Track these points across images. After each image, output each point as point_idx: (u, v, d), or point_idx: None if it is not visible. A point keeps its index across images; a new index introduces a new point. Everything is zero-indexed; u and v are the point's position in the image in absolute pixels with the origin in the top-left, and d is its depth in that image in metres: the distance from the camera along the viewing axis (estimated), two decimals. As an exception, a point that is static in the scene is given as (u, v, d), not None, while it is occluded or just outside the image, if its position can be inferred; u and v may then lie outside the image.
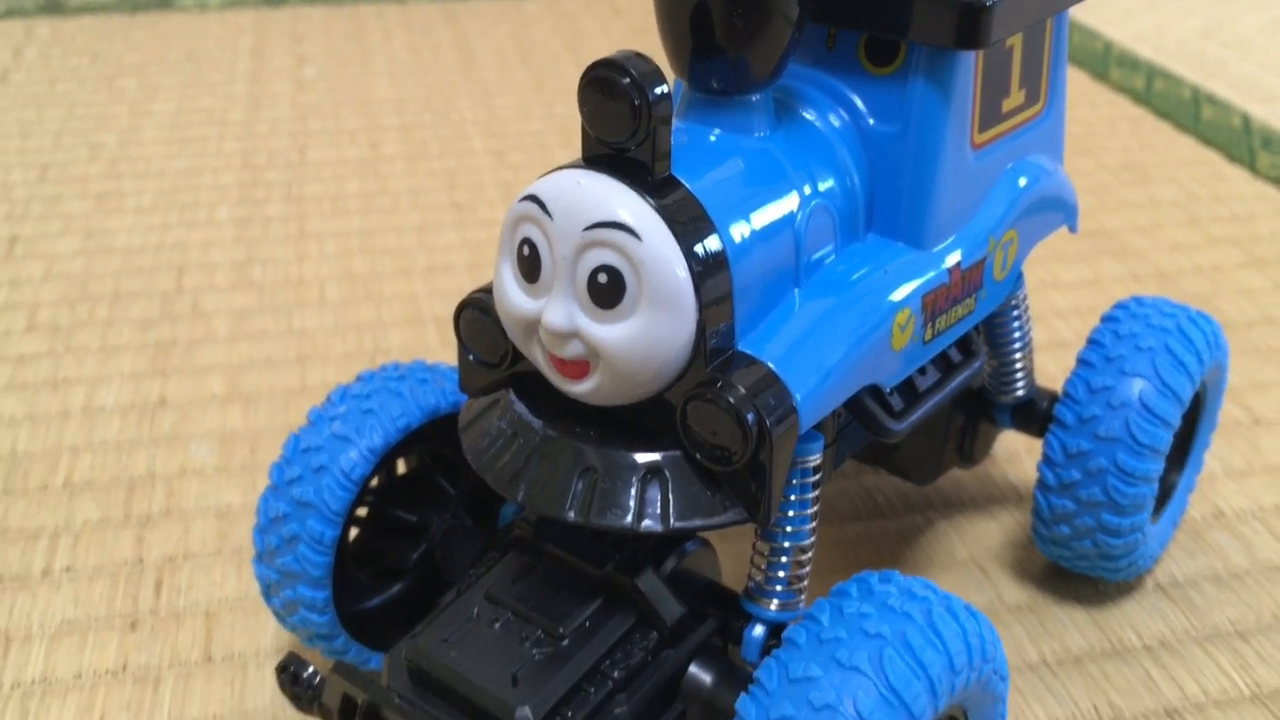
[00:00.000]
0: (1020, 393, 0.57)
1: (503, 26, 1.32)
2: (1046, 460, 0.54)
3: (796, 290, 0.43)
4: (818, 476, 0.43)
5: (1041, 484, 0.55)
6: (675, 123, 0.43)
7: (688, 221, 0.39)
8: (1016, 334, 0.55)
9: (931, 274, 0.45)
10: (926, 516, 0.63)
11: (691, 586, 0.46)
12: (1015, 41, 0.48)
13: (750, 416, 0.39)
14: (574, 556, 0.45)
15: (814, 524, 0.44)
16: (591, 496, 0.41)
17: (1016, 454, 0.67)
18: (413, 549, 0.52)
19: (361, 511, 0.52)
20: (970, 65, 0.45)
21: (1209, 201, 0.96)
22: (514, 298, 0.41)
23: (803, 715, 0.37)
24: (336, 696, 0.42)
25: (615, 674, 0.43)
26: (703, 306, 0.39)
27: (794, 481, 0.43)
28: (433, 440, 0.51)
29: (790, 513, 0.44)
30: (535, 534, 0.46)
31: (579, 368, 0.40)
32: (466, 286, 0.83)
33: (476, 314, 0.44)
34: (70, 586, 0.58)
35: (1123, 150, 1.05)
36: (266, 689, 0.53)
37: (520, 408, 0.43)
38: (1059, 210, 0.53)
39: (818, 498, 0.44)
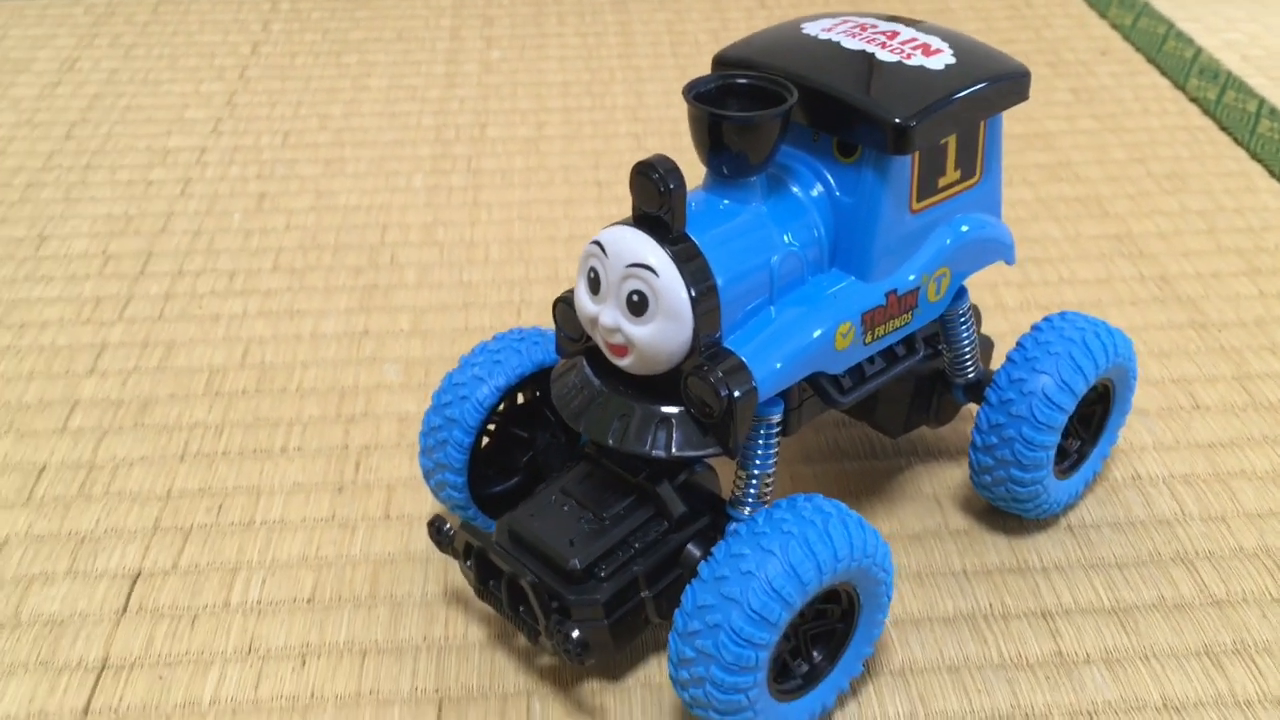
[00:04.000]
0: (971, 375, 0.78)
1: (661, 15, 1.54)
2: (976, 427, 0.76)
3: (772, 307, 0.65)
4: (777, 429, 0.66)
5: (972, 444, 0.76)
6: (698, 192, 0.66)
7: (692, 263, 0.61)
8: (965, 335, 0.76)
9: (870, 299, 0.67)
10: (908, 460, 0.85)
11: (696, 494, 0.69)
12: (950, 138, 0.68)
13: (723, 390, 0.61)
14: (620, 468, 0.69)
15: (775, 459, 0.67)
16: (625, 431, 0.64)
17: (988, 419, 0.88)
18: (524, 454, 0.77)
19: (491, 427, 0.77)
20: (906, 160, 0.66)
21: (1231, 212, 1.12)
22: (584, 304, 0.65)
23: (733, 577, 0.60)
24: (462, 543, 0.68)
25: (636, 545, 0.67)
26: (697, 318, 0.62)
27: (760, 432, 0.66)
28: (541, 382, 0.75)
29: (758, 452, 0.66)
30: (598, 451, 0.70)
31: (622, 350, 0.64)
32: (597, 254, 1.07)
33: (565, 307, 0.68)
34: (300, 460, 0.85)
35: (1174, 160, 1.21)
36: (424, 539, 0.78)
37: (587, 371, 0.67)
38: (992, 250, 0.73)
39: (778, 443, 0.66)
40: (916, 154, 0.66)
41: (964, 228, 0.71)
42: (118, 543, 0.78)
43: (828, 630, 0.66)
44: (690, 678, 0.61)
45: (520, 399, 0.77)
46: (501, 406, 0.76)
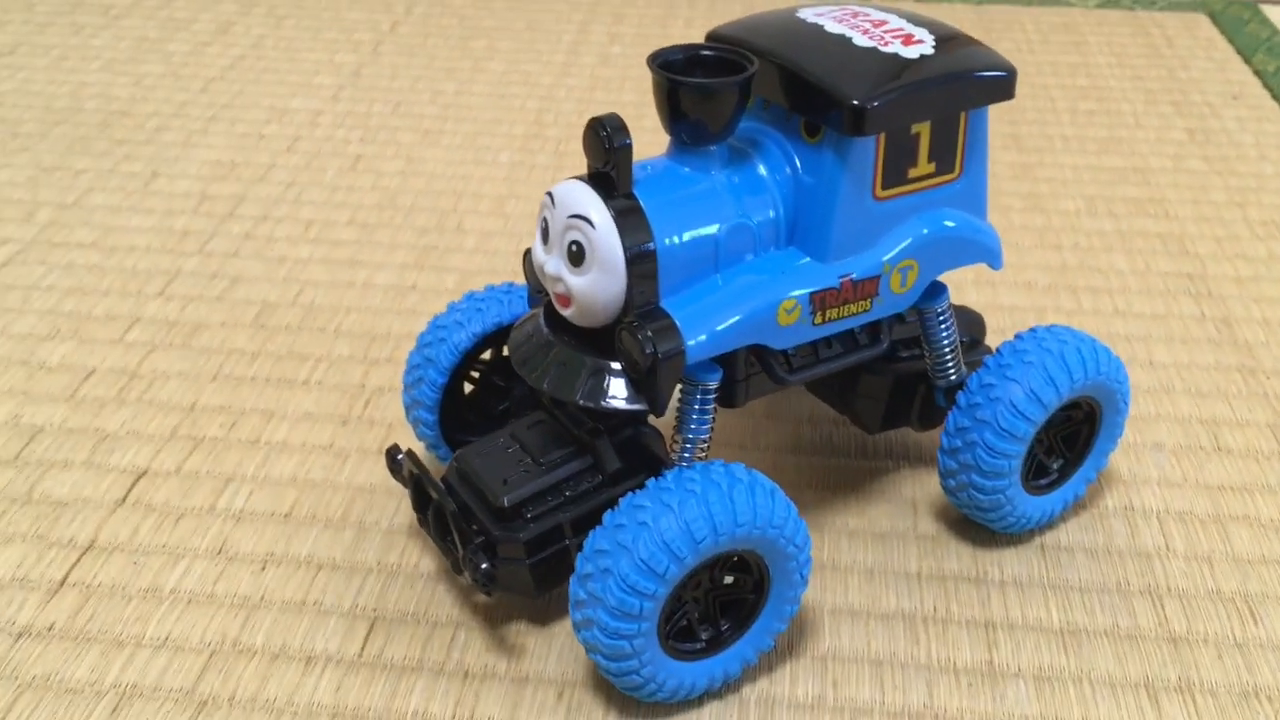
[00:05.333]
0: (953, 378, 0.77)
1: (788, 25, 1.55)
2: (944, 430, 0.75)
3: (718, 275, 0.67)
4: (714, 396, 0.67)
5: (940, 447, 0.75)
6: (659, 158, 0.68)
7: (630, 220, 0.63)
8: (945, 337, 0.75)
9: (822, 279, 0.67)
10: (896, 462, 0.84)
11: (638, 453, 0.70)
12: (922, 130, 0.68)
13: (649, 348, 0.63)
14: (569, 420, 0.71)
15: (710, 425, 0.68)
16: (560, 379, 0.67)
17: (988, 433, 0.86)
18: (501, 403, 0.80)
19: (476, 375, 0.80)
20: (868, 143, 0.66)
21: (1322, 265, 1.06)
22: (537, 253, 0.67)
23: (630, 526, 0.61)
24: (407, 473, 0.71)
25: (567, 493, 0.69)
26: (631, 274, 0.63)
27: (697, 396, 0.67)
28: (523, 336, 0.78)
29: (693, 416, 0.68)
30: (552, 403, 0.72)
31: (565, 300, 0.66)
32: (654, 240, 1.09)
33: (530, 260, 0.71)
34: (317, 392, 0.90)
35: (1277, 208, 1.15)
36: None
37: (541, 321, 0.70)
38: (970, 250, 0.72)
39: (714, 409, 0.67)
40: (881, 140, 0.66)
41: (927, 227, 0.70)
42: (134, 443, 0.85)
43: (739, 600, 0.67)
44: (583, 620, 0.63)
45: (506, 350, 0.80)
46: (488, 355, 0.79)
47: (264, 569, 0.75)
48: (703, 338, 0.64)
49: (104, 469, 0.83)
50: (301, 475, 0.82)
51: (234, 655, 0.70)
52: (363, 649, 0.70)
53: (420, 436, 0.79)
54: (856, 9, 0.72)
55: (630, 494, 0.64)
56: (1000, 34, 1.53)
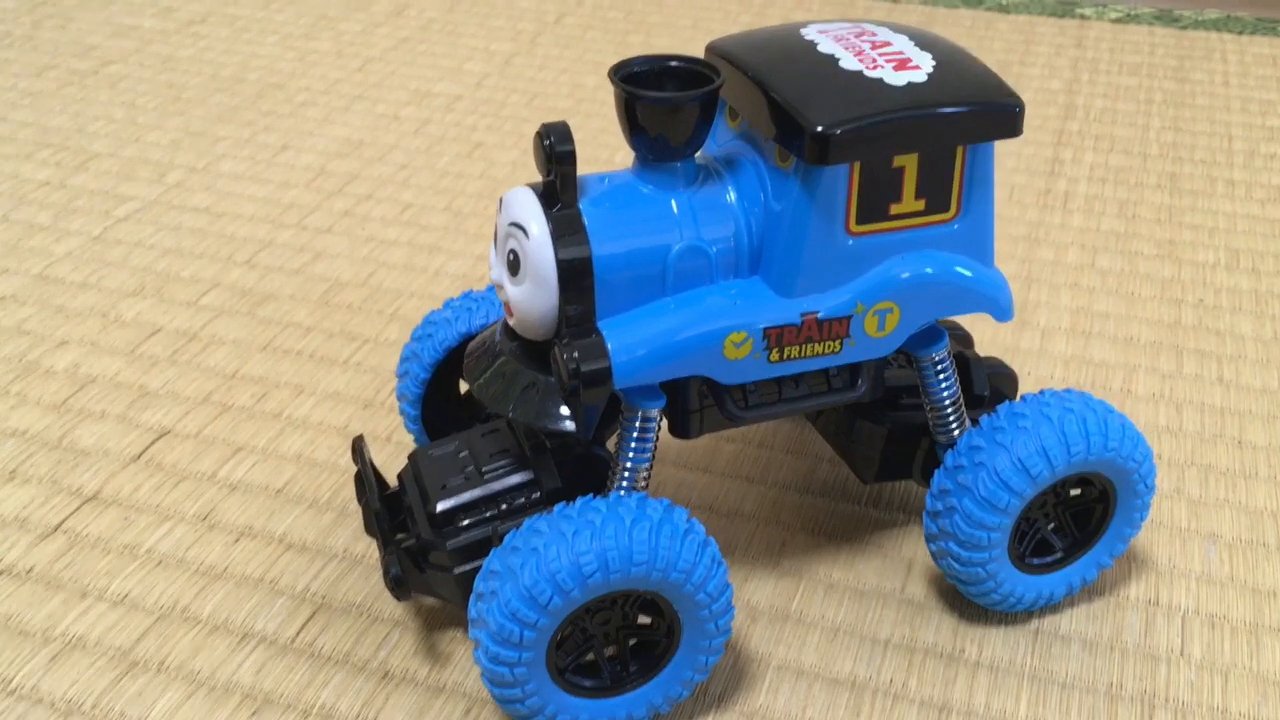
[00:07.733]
0: (955, 433, 0.70)
1: (966, 40, 1.47)
2: (930, 489, 0.69)
3: (668, 299, 0.63)
4: (653, 423, 0.64)
5: (925, 506, 0.69)
6: (622, 172, 0.64)
7: (568, 234, 0.61)
8: (944, 390, 0.69)
9: (779, 314, 0.63)
10: (907, 516, 0.78)
11: (584, 474, 0.68)
12: (906, 162, 0.62)
13: (571, 366, 0.60)
14: (522, 432, 0.69)
15: (650, 454, 0.64)
16: (499, 391, 0.65)
17: (1017, 498, 0.79)
18: (489, 406, 0.79)
19: (472, 374, 0.79)
20: (838, 173, 0.61)
21: None
22: (491, 260, 0.66)
23: (523, 550, 0.59)
24: (357, 461, 0.71)
25: (503, 506, 0.67)
26: (564, 289, 0.61)
27: (636, 424, 0.64)
28: (515, 340, 0.77)
29: (632, 444, 0.64)
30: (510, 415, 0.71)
31: (508, 309, 0.64)
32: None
33: (503, 264, 0.69)
34: (351, 373, 0.91)
35: None
36: (401, 464, 0.82)
37: (499, 330, 0.68)
38: (965, 298, 0.65)
39: (654, 437, 0.64)
40: (855, 170, 0.61)
41: (915, 268, 0.64)
42: (168, 403, 0.88)
43: (651, 642, 0.63)
44: (474, 639, 0.61)
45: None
46: (483, 356, 0.78)
47: (237, 541, 0.77)
48: (632, 361, 0.61)
49: (132, 424, 0.86)
50: (306, 453, 0.84)
51: (179, 622, 0.71)
52: (297, 635, 0.70)
53: (407, 428, 0.79)
54: (865, 28, 0.67)
55: (534, 517, 0.61)
56: (1196, 63, 1.40)
